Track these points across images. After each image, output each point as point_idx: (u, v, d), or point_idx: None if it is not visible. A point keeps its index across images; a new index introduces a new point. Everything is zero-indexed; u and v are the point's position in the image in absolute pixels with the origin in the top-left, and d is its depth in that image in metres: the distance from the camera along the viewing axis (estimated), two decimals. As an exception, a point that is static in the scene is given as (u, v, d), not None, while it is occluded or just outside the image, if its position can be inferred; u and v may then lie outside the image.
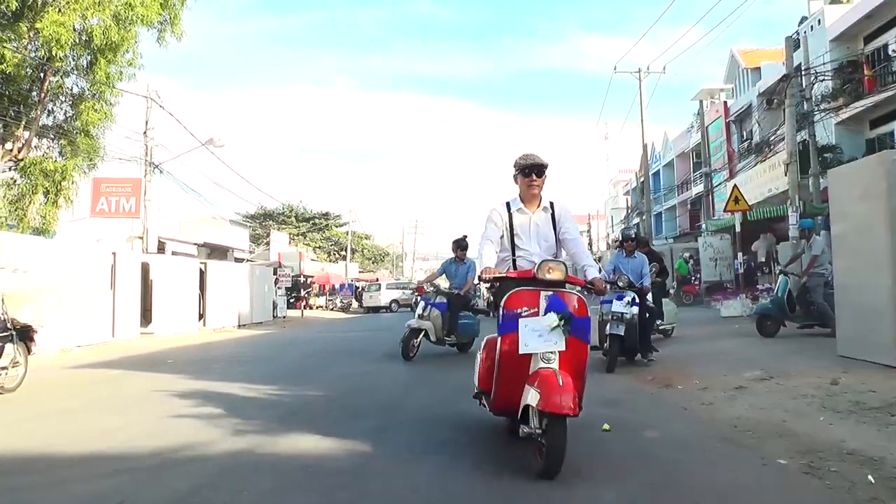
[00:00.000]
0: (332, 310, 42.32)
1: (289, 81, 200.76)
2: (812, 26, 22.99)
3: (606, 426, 5.39)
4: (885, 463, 4.22)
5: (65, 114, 17.21)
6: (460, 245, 11.38)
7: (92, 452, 4.94)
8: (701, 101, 34.25)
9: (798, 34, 22.26)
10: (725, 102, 32.87)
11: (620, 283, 8.64)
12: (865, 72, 20.00)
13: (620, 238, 10.62)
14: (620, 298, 9.00)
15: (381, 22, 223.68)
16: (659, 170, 44.01)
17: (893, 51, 19.34)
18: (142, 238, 22.62)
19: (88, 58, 16.00)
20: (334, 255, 59.11)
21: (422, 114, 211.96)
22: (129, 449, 4.99)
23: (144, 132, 22.19)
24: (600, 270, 5.83)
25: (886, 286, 7.48)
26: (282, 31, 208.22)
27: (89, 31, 14.93)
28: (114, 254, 16.81)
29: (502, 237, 4.93)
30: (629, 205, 47.32)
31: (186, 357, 12.74)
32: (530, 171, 4.88)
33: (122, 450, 4.98)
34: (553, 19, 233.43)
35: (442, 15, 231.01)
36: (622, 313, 8.91)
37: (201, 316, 21.21)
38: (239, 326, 22.87)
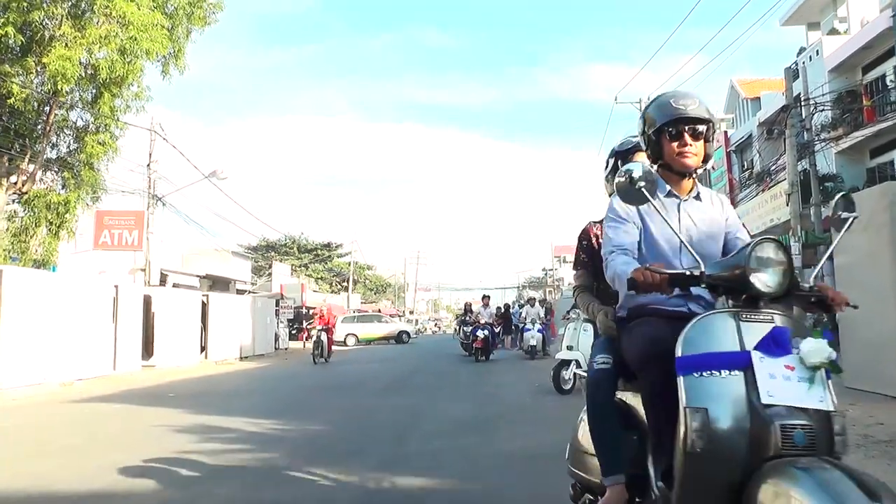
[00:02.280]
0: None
1: (292, 112, 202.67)
2: (811, 57, 23.19)
3: None
4: None
5: (68, 146, 17.34)
6: None
7: (94, 491, 4.88)
8: (701, 132, 34.40)
9: (797, 65, 22.45)
10: (726, 132, 33.03)
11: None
12: (864, 102, 20.13)
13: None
14: None
15: (386, 52, 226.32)
16: (660, 199, 44.13)
17: (891, 81, 19.49)
18: (144, 270, 22.62)
19: (94, 91, 16.16)
20: (336, 285, 59.06)
21: (425, 144, 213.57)
22: (132, 487, 4.94)
23: (148, 165, 22.31)
24: None
25: (892, 317, 7.47)
26: (286, 62, 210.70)
27: (95, 64, 15.10)
28: (116, 286, 16.81)
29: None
30: (631, 235, 47.30)
31: (188, 390, 12.67)
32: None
33: (125, 488, 4.93)
34: (559, 49, 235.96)
35: (447, 45, 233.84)
36: None
37: (203, 348, 21.13)
38: (241, 359, 22.77)
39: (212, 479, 5.11)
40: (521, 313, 22.60)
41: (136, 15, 14.48)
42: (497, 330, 22.99)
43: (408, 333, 38.42)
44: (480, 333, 18.97)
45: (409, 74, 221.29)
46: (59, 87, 14.43)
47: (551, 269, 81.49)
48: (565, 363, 10.03)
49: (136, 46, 14.87)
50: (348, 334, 35.84)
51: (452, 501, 4.56)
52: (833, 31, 23.74)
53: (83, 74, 15.19)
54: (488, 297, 21.63)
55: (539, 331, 19.24)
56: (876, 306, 7.81)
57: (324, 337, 19.72)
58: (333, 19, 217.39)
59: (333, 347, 21.81)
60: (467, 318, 22.21)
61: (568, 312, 11.17)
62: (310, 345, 32.60)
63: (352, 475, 5.15)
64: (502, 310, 27.32)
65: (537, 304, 21.84)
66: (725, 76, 57.37)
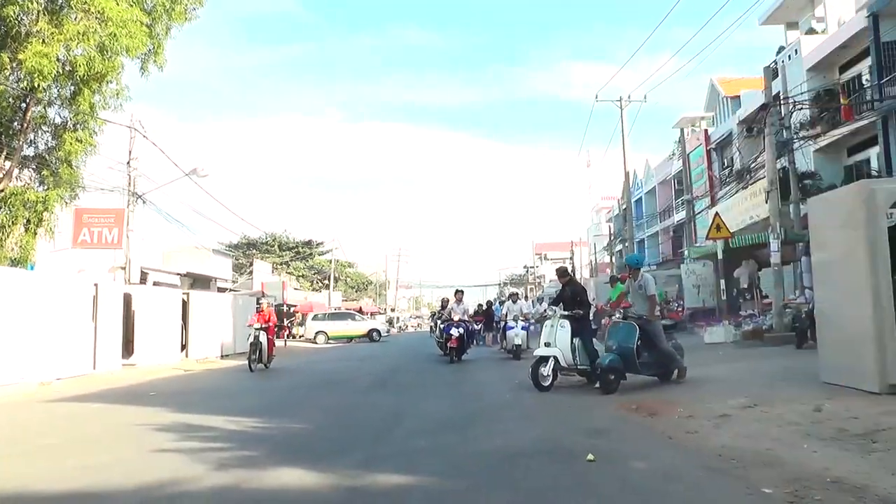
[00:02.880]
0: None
1: (276, 111, 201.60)
2: (790, 56, 23.42)
3: (591, 456, 5.38)
4: (867, 491, 4.25)
5: (46, 144, 17.12)
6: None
7: (73, 491, 4.85)
8: (682, 129, 34.65)
9: (776, 63, 22.66)
10: (706, 130, 33.29)
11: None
12: (842, 100, 20.36)
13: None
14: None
15: (370, 52, 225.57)
16: (641, 197, 44.37)
17: (866, 80, 19.73)
18: (124, 269, 22.43)
19: (72, 88, 15.96)
20: (317, 283, 58.89)
21: (407, 143, 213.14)
22: (112, 487, 4.92)
23: (128, 162, 22.12)
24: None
25: (867, 313, 7.56)
26: (271, 62, 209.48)
27: (73, 61, 14.91)
28: (96, 285, 16.66)
29: None
30: (612, 232, 47.56)
31: (169, 389, 12.59)
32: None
33: (105, 488, 4.90)
34: (540, 48, 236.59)
35: (431, 44, 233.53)
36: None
37: (184, 347, 21.00)
38: (222, 357, 22.64)
39: (191, 479, 5.09)
40: (502, 310, 20.89)
41: (115, 11, 14.31)
42: (479, 327, 22.81)
43: (378, 332, 37.07)
44: (455, 332, 17.19)
45: (391, 74, 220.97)
46: (36, 84, 14.24)
47: (532, 267, 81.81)
48: (544, 360, 10.06)
49: (115, 43, 14.70)
50: (318, 332, 35.40)
51: (431, 500, 4.58)
52: (811, 31, 23.99)
53: (61, 71, 15.01)
54: (461, 291, 19.49)
55: (524, 328, 17.81)
56: (852, 302, 7.93)
57: (262, 338, 16.59)
58: (315, 19, 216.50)
59: (301, 345, 21.27)
60: (442, 315, 19.77)
61: (545, 310, 11.30)
62: (294, 343, 32.53)
63: (331, 474, 5.15)
64: (483, 307, 27.24)
65: (521, 299, 20.51)
66: (706, 74, 57.81)
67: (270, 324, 17.11)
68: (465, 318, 18.43)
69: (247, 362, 16.35)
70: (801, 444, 5.61)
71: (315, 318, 36.97)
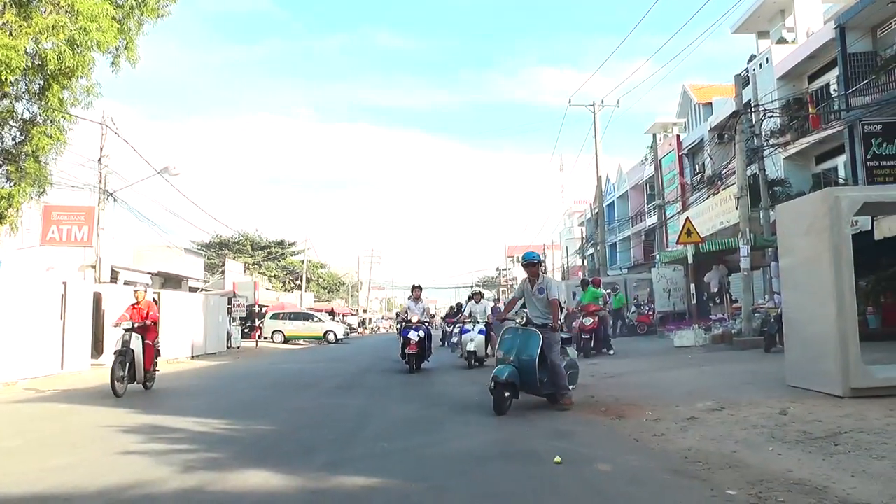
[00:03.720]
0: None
1: (248, 111, 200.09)
2: (760, 64, 23.79)
3: (558, 459, 5.42)
4: (828, 492, 4.33)
5: (14, 139, 16.80)
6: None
7: (34, 494, 4.77)
8: (654, 135, 35.08)
9: (747, 72, 23.01)
10: (678, 136, 33.68)
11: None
12: (811, 109, 20.72)
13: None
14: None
15: (341, 53, 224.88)
16: (613, 201, 44.73)
17: (834, 90, 20.10)
18: (94, 267, 22.12)
19: (41, 83, 15.69)
20: (290, 284, 58.54)
21: (379, 144, 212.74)
22: (75, 489, 4.84)
23: (99, 159, 21.81)
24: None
25: (831, 318, 7.70)
26: (243, 60, 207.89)
27: (43, 55, 14.66)
28: (64, 283, 16.40)
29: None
30: (584, 235, 47.90)
31: (138, 389, 12.42)
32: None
33: (67, 490, 4.83)
34: (511, 53, 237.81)
35: (402, 46, 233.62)
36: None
37: (154, 347, 20.76)
38: (192, 357, 22.40)
39: (155, 481, 5.03)
40: (465, 310, 17.50)
41: (85, 5, 14.09)
42: (450, 329, 21.86)
43: (335, 333, 35.77)
44: (413, 335, 14.60)
45: (363, 75, 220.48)
46: (3, 78, 13.99)
47: (505, 269, 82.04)
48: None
49: (85, 38, 14.47)
50: (275, 331, 35.03)
51: (395, 502, 4.58)
52: (781, 41, 24.40)
53: (30, 65, 14.75)
54: (419, 287, 16.60)
55: (481, 332, 15.37)
56: (817, 307, 8.08)
57: (136, 344, 11.40)
58: (287, 18, 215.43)
59: (272, 346, 20.06)
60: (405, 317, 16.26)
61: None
62: (263, 343, 31.99)
63: (296, 476, 5.13)
64: (455, 308, 27.04)
65: (483, 300, 17.85)
66: (678, 81, 58.45)
67: (149, 322, 12.13)
68: (426, 318, 16.13)
69: (113, 383, 10.80)
70: (765, 446, 5.70)
71: (273, 317, 36.46)
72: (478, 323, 15.65)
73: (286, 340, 34.80)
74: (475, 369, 14.80)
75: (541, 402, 8.68)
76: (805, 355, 8.43)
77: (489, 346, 15.55)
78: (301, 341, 35.04)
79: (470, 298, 17.84)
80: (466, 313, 16.62)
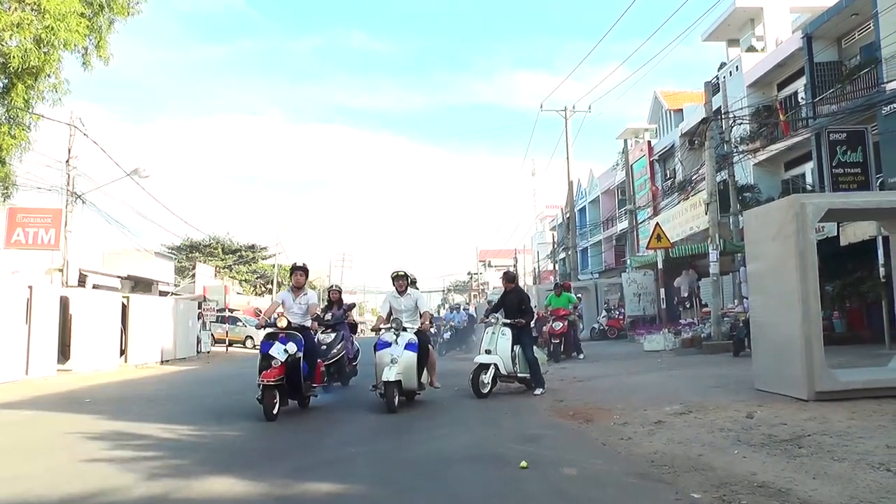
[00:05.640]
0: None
1: (219, 111, 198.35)
2: (731, 72, 24.13)
3: (524, 463, 5.43)
4: (791, 494, 4.39)
5: (-25, 138, 16.51)
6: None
7: (-8, 501, 4.68)
8: (626, 140, 35.38)
9: (717, 79, 23.33)
10: (649, 142, 34.02)
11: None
12: (780, 116, 21.08)
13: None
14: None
15: (313, 53, 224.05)
16: (585, 206, 45.03)
17: (802, 98, 20.46)
18: (62, 271, 21.77)
19: (5, 81, 15.42)
20: (261, 287, 58.07)
21: (351, 147, 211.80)
22: (37, 498, 4.74)
23: (67, 161, 21.49)
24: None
25: (797, 323, 7.81)
26: (211, 61, 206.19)
27: (6, 53, 14.40)
28: (30, 287, 16.11)
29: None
30: (555, 240, 48.13)
31: (105, 395, 12.23)
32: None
33: (29, 499, 4.72)
34: (485, 55, 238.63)
35: (375, 48, 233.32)
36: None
37: (123, 352, 20.43)
38: (162, 362, 22.12)
39: (120, 489, 4.95)
40: (384, 308, 10.31)
41: (53, 2, 13.89)
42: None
43: (252, 339, 31.95)
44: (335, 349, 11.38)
45: (335, 77, 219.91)
46: (-35, 76, 13.76)
47: (476, 273, 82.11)
48: (484, 367, 10.06)
49: (52, 36, 14.26)
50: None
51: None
52: (751, 49, 24.78)
53: (-7, 63, 14.50)
54: (339, 289, 13.15)
55: (410, 346, 9.06)
56: (783, 311, 8.19)
57: None
58: (258, 19, 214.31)
59: (242, 351, 18.36)
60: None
61: (487, 316, 11.13)
62: (233, 348, 31.13)
63: (262, 482, 5.09)
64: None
65: (416, 288, 10.99)
66: (650, 87, 59.05)
67: None
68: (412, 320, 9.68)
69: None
70: (731, 449, 5.76)
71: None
72: (405, 331, 9.18)
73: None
74: (447, 370, 13.02)
75: (511, 406, 8.70)
76: (772, 359, 8.54)
77: (425, 372, 9.60)
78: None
79: (397, 280, 9.80)
80: (385, 312, 9.86)
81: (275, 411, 8.09)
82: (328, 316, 11.92)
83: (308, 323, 9.08)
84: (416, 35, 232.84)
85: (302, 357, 8.47)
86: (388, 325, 9.36)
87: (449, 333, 24.20)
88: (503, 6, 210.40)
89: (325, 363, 10.83)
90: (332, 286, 13.56)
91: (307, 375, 8.79)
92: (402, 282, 9.80)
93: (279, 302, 9.34)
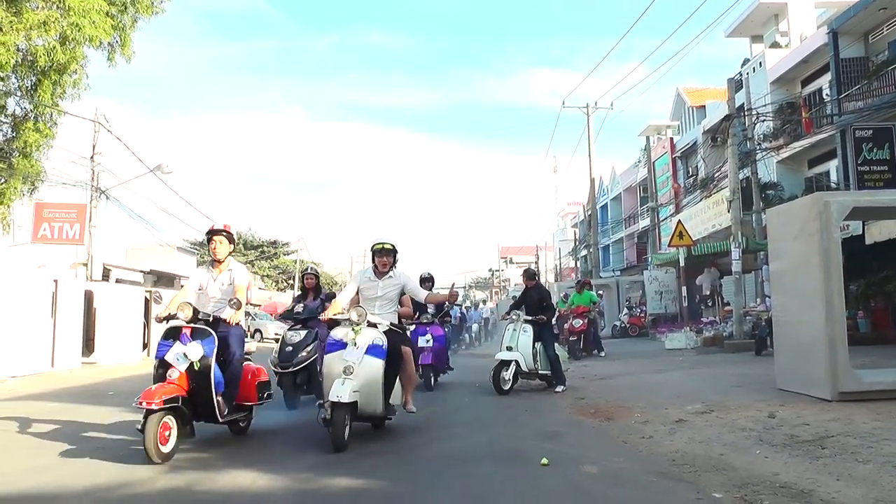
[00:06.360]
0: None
1: (240, 108, 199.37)
2: (754, 68, 23.86)
3: (545, 460, 5.42)
4: (813, 495, 4.35)
5: (5, 135, 16.76)
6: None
7: (20, 493, 4.74)
8: (648, 137, 35.09)
9: (741, 76, 23.08)
10: (671, 139, 33.74)
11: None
12: (803, 113, 20.81)
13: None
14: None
15: (331, 51, 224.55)
16: (607, 203, 44.78)
17: (827, 95, 20.19)
18: (86, 265, 22.04)
19: (33, 79, 15.65)
20: (282, 283, 58.41)
21: (371, 144, 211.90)
22: (61, 488, 4.81)
23: (91, 157, 21.74)
24: None
25: (820, 322, 7.73)
26: (232, 58, 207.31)
27: (34, 51, 14.61)
28: (55, 281, 16.33)
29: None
30: (577, 237, 47.90)
31: (129, 388, 12.30)
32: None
33: (52, 490, 4.79)
34: (503, 54, 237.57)
35: (393, 46, 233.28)
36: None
37: (146, 345, 20.68)
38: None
39: (144, 480, 5.02)
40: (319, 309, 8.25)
41: (77, 0, 14.07)
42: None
43: (260, 332, 31.08)
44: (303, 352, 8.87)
45: (354, 74, 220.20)
46: (-6, 74, 13.96)
47: (498, 270, 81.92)
48: (505, 364, 10.07)
49: (77, 33, 14.44)
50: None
51: (381, 502, 4.59)
52: (775, 45, 24.48)
53: (21, 61, 14.70)
54: (315, 272, 10.31)
55: (374, 351, 6.28)
56: (806, 311, 8.11)
57: None
58: (280, 17, 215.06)
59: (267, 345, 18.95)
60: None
61: (508, 313, 11.15)
62: (262, 344, 31.74)
63: (284, 476, 5.13)
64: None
65: (399, 268, 7.29)
66: (672, 84, 58.61)
67: None
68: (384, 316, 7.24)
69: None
70: (753, 449, 5.71)
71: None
72: (373, 326, 6.47)
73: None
74: (470, 365, 13.01)
75: (532, 403, 8.70)
76: (794, 359, 8.46)
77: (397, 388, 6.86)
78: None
79: (379, 256, 7.03)
80: (348, 297, 7.10)
81: (167, 449, 5.54)
82: (298, 308, 9.44)
83: (227, 314, 6.40)
84: (432, 33, 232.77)
85: (213, 363, 5.96)
86: (346, 316, 6.45)
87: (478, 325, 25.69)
88: (522, 3, 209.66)
89: (289, 370, 8.81)
90: (306, 269, 10.65)
91: (225, 390, 6.21)
92: (387, 258, 6.87)
93: (192, 285, 6.87)
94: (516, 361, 10.04)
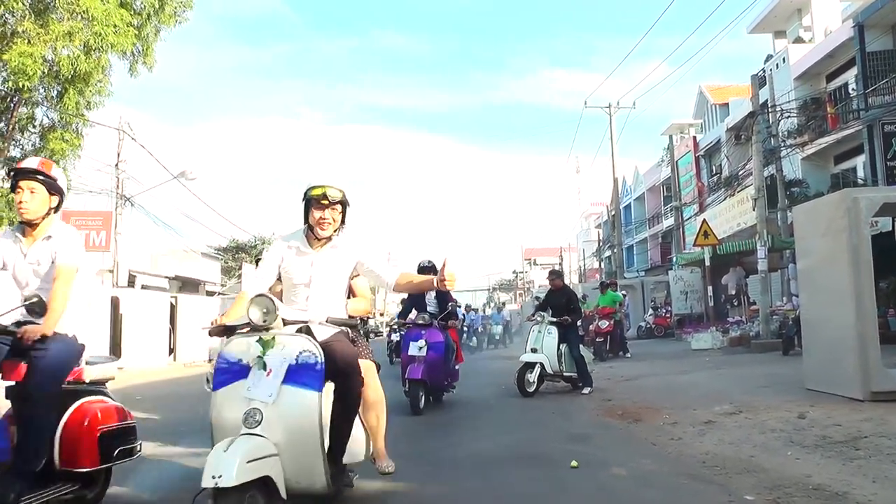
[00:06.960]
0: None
1: (258, 113, 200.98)
2: (777, 64, 23.59)
3: (574, 463, 5.38)
4: (847, 498, 4.27)
5: (33, 145, 17.02)
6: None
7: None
8: (671, 136, 34.84)
9: (764, 72, 22.83)
10: (695, 137, 33.46)
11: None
12: (828, 109, 20.53)
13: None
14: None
15: (349, 54, 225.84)
16: (630, 203, 44.51)
17: (853, 89, 19.90)
18: (112, 272, 22.34)
19: (58, 89, 15.89)
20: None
21: (391, 146, 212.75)
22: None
23: (116, 164, 22.06)
24: None
25: (849, 320, 7.60)
26: (249, 64, 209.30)
27: (59, 61, 14.83)
28: (82, 287, 16.54)
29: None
30: (600, 238, 47.67)
31: (155, 393, 12.52)
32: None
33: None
34: (521, 54, 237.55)
35: (410, 48, 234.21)
36: None
37: (171, 350, 20.92)
38: (209, 361, 22.48)
39: (176, 482, 5.07)
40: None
41: (101, 10, 14.26)
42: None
43: None
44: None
45: (372, 77, 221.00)
46: (21, 85, 14.17)
47: (522, 272, 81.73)
48: (530, 366, 10.02)
49: (101, 42, 14.64)
50: None
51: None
52: (798, 40, 24.19)
53: (47, 72, 14.93)
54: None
55: (303, 377, 3.56)
56: (835, 309, 7.98)
57: None
58: (299, 21, 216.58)
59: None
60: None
61: (533, 314, 11.10)
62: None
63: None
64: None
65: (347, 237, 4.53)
66: (694, 82, 58.13)
67: None
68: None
69: None
70: (783, 450, 5.63)
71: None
72: (305, 335, 3.86)
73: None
74: (494, 368, 13.46)
75: (558, 405, 8.65)
76: (823, 358, 8.32)
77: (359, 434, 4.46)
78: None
79: (322, 209, 4.19)
80: (259, 283, 4.39)
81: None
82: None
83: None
84: (451, 36, 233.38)
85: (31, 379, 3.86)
86: (242, 321, 3.93)
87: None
88: (540, 4, 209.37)
89: None
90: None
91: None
92: (330, 214, 4.12)
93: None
94: (541, 363, 9.99)
